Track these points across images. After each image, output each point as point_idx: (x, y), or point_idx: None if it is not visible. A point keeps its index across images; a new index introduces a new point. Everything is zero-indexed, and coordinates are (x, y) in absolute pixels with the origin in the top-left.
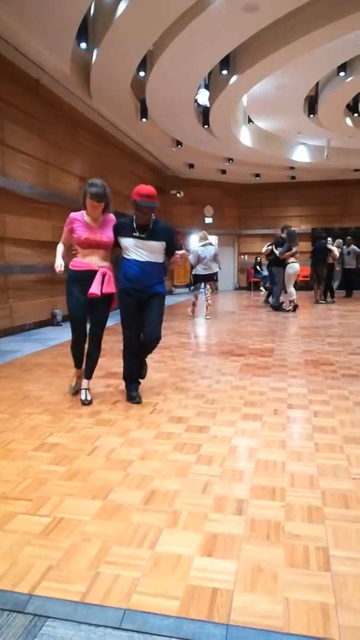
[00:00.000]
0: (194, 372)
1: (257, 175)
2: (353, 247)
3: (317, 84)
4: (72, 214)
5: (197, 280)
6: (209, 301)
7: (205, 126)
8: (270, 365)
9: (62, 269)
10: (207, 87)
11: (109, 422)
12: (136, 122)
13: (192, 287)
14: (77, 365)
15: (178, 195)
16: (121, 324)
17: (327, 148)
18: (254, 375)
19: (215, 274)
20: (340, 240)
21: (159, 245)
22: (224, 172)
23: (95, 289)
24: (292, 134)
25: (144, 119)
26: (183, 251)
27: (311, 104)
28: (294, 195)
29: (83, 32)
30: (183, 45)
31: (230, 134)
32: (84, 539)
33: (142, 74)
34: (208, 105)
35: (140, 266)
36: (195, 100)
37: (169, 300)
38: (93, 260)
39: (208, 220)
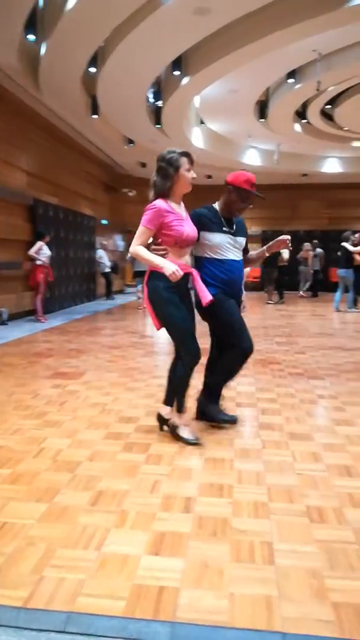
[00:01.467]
0: (145, 371)
1: (209, 176)
2: (318, 250)
3: (267, 89)
4: (159, 204)
5: (136, 276)
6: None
7: (157, 125)
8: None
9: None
10: (159, 86)
11: (57, 424)
12: (87, 119)
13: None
14: (183, 405)
15: (130, 194)
16: (226, 331)
17: (276, 152)
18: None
19: None
20: (316, 242)
21: (244, 243)
22: None
23: (207, 294)
24: (243, 137)
25: (94, 116)
26: (288, 236)
27: (262, 109)
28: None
29: (32, 24)
30: (134, 43)
31: (182, 134)
32: (28, 543)
33: (93, 69)
34: (160, 105)
35: (238, 267)
36: (147, 99)
37: (119, 300)
38: (188, 261)
39: None
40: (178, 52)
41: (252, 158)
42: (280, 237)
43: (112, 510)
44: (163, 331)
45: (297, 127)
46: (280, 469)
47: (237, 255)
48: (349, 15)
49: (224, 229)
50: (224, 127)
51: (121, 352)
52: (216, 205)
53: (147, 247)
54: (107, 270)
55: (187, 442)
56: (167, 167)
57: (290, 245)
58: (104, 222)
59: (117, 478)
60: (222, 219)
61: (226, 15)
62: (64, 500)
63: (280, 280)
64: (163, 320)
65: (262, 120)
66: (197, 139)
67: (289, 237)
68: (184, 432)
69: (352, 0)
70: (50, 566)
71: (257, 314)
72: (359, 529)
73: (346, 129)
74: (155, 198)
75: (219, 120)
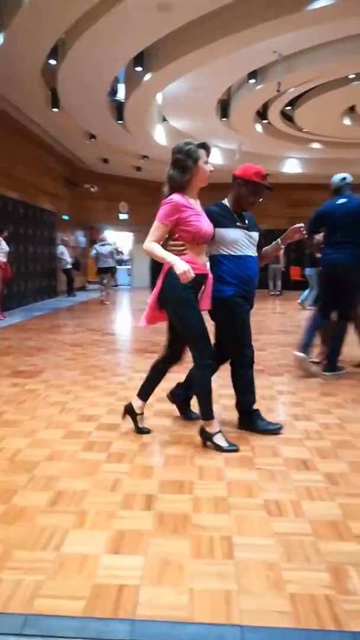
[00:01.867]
0: (106, 369)
1: None
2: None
3: (229, 89)
4: (177, 198)
5: (99, 272)
6: (104, 289)
7: (120, 121)
8: (183, 363)
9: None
10: (121, 82)
11: (15, 423)
12: (47, 111)
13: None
14: (211, 411)
15: (92, 189)
16: (235, 339)
17: (238, 152)
18: (168, 372)
19: (113, 267)
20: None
21: (257, 237)
22: (139, 169)
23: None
24: (206, 136)
25: (55, 109)
26: (301, 224)
27: (223, 108)
28: (208, 196)
29: None
30: (96, 37)
31: (144, 131)
32: None
33: (53, 62)
34: (122, 101)
35: (255, 264)
36: (109, 94)
37: (81, 297)
38: (204, 261)
39: (123, 216)
40: (140, 48)
41: (214, 157)
42: (294, 226)
43: (71, 510)
44: (126, 328)
45: (258, 127)
46: (240, 464)
47: (253, 251)
48: (308, 19)
49: (238, 224)
50: (186, 125)
51: (82, 350)
52: (226, 202)
53: (164, 244)
54: (69, 266)
55: (225, 450)
56: (186, 159)
57: (304, 232)
58: (65, 217)
59: (77, 477)
60: (234, 215)
61: (188, 13)
62: (21, 502)
63: None
64: (178, 320)
65: (224, 119)
66: (159, 136)
67: (302, 224)
68: (220, 441)
69: (311, 4)
70: (8, 569)
71: None
72: (316, 520)
73: (305, 130)
74: (171, 193)
75: (181, 118)
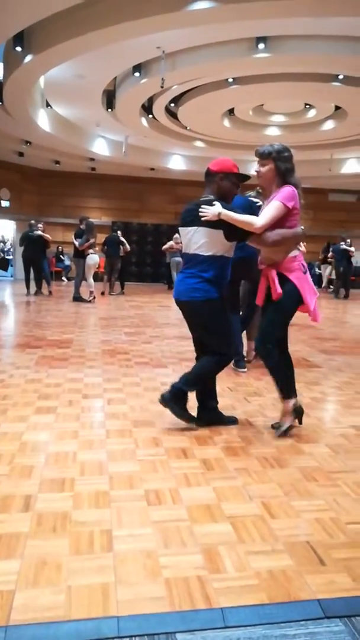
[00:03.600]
0: None
1: (57, 162)
2: None
3: (115, 79)
4: (293, 188)
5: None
6: None
7: None
8: (68, 357)
9: None
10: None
11: None
12: None
13: None
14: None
15: None
16: (223, 340)
17: (124, 144)
18: (51, 367)
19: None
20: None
21: None
22: (21, 154)
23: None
24: (91, 125)
25: None
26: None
27: (109, 98)
28: (95, 186)
29: None
30: None
31: (26, 115)
32: None
33: None
34: (1, 80)
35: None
36: None
37: None
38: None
39: (4, 203)
40: (20, 27)
41: (100, 147)
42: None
43: None
44: (6, 322)
45: (144, 121)
46: (123, 456)
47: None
48: (188, 19)
49: None
50: (71, 112)
51: None
52: (209, 195)
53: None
54: None
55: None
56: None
57: None
58: None
59: None
60: None
61: None
62: None
63: (123, 270)
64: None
65: (110, 110)
66: (43, 121)
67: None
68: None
69: (191, 4)
70: None
71: (106, 305)
72: (192, 506)
73: (189, 128)
74: (284, 184)
75: (66, 104)
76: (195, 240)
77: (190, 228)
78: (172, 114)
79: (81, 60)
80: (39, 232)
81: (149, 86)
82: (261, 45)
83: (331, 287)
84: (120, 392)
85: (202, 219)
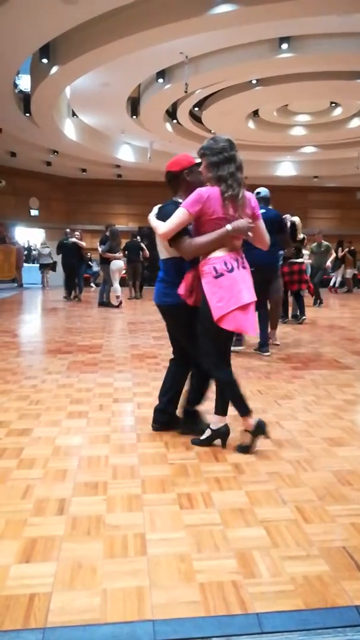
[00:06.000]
0: (18, 372)
1: (84, 170)
2: None
3: (139, 86)
4: (199, 192)
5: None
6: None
7: (27, 114)
8: (98, 361)
9: None
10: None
11: None
12: None
13: None
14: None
15: None
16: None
17: (149, 150)
18: (82, 372)
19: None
20: None
21: None
22: (49, 163)
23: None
24: (117, 133)
25: None
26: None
27: (134, 105)
28: (120, 193)
29: None
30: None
31: (53, 124)
32: None
33: None
34: (29, 92)
35: None
36: (15, 85)
37: None
38: None
39: (34, 212)
40: (46, 39)
41: (126, 154)
42: None
43: None
44: (39, 329)
45: (168, 126)
46: (154, 460)
47: None
48: (210, 23)
49: None
50: (97, 120)
51: None
52: (179, 199)
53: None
54: None
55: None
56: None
57: None
58: None
59: None
60: None
61: (94, 8)
62: None
63: (142, 275)
64: (210, 326)
65: (135, 117)
66: (69, 130)
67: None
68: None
69: (213, 8)
70: None
71: (133, 310)
72: (225, 510)
73: (213, 132)
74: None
75: (91, 113)
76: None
77: None
78: (196, 118)
79: (106, 68)
80: (73, 239)
81: (173, 91)
82: (284, 45)
83: (345, 287)
84: (149, 396)
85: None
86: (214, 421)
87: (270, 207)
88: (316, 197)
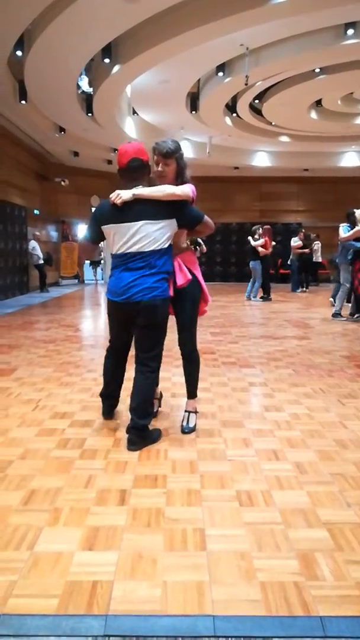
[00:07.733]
0: (80, 365)
1: None
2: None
3: (198, 82)
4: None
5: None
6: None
7: (89, 114)
8: None
9: None
10: (89, 73)
11: None
12: (15, 104)
13: None
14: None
15: (63, 183)
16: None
17: (208, 145)
18: None
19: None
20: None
21: None
22: (110, 162)
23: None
24: (176, 129)
25: (22, 101)
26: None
27: (193, 101)
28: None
29: None
30: (63, 28)
31: (114, 123)
32: None
33: (19, 53)
34: (91, 92)
35: None
36: (78, 87)
37: (54, 292)
38: None
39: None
40: (108, 39)
41: (184, 149)
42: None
43: (44, 508)
44: (100, 323)
45: (228, 120)
46: (213, 456)
47: None
48: (272, 12)
49: None
50: (156, 117)
51: (55, 347)
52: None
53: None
54: (41, 262)
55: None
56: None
57: None
58: (36, 212)
59: (50, 475)
60: None
61: (155, 5)
62: None
63: None
64: (196, 307)
65: (194, 112)
66: (130, 128)
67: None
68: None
69: None
70: None
71: None
72: (285, 509)
73: (274, 124)
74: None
75: (151, 110)
76: None
77: None
78: (256, 111)
79: (165, 65)
80: None
81: (233, 85)
82: (350, 31)
83: None
84: (208, 392)
85: None
86: (194, 405)
87: None
88: None
